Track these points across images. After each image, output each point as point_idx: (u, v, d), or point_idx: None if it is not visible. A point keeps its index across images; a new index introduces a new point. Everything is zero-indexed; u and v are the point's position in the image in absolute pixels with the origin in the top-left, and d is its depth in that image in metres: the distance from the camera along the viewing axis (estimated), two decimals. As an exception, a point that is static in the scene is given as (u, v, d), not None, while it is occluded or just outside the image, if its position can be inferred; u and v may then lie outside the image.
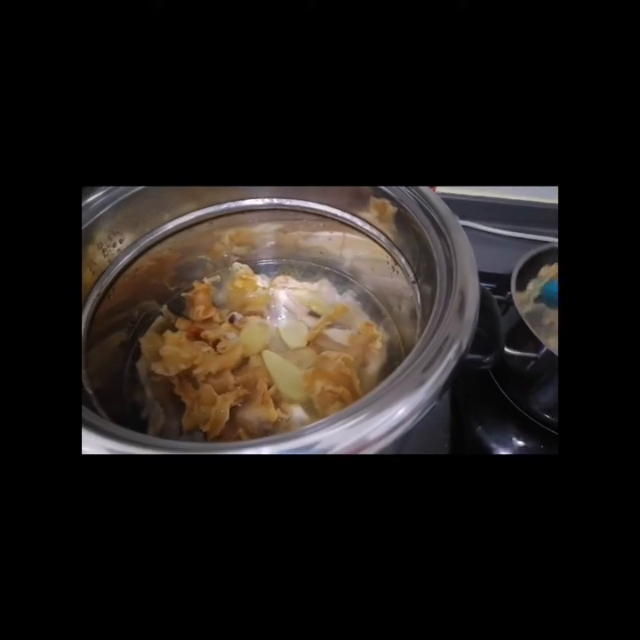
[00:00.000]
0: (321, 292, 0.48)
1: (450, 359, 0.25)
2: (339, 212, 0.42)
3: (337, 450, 0.22)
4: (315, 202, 0.42)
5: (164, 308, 0.46)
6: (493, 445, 0.51)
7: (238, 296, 0.48)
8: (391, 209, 0.36)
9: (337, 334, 0.44)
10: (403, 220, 0.35)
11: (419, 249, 0.34)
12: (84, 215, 0.36)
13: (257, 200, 0.44)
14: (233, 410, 0.38)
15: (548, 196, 0.67)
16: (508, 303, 0.48)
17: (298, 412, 0.39)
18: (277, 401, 0.40)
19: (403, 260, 0.38)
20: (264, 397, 0.38)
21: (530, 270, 0.51)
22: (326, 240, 0.47)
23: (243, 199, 0.44)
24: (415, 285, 0.36)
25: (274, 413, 0.38)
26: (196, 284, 0.46)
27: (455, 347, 0.25)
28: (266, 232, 0.49)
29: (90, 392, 0.32)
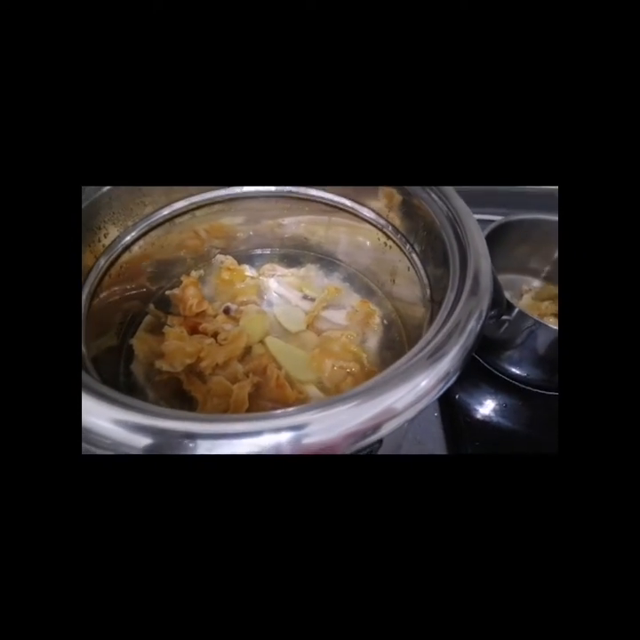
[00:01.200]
0: (309, 276, 0.48)
1: (472, 326, 0.26)
2: (335, 198, 0.43)
3: (365, 418, 0.22)
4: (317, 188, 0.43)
5: (151, 306, 0.44)
6: (476, 407, 0.56)
7: (226, 288, 0.47)
8: (398, 197, 0.38)
9: (333, 315, 0.45)
10: (409, 205, 0.37)
11: (418, 215, 0.36)
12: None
13: (247, 188, 0.44)
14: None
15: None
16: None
17: (313, 391, 0.40)
18: (289, 383, 0.39)
19: (396, 234, 0.40)
20: (278, 381, 0.38)
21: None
22: (311, 225, 0.48)
23: (232, 186, 0.43)
24: (413, 254, 0.38)
25: (291, 393, 0.38)
26: (183, 278, 0.44)
27: (476, 314, 0.27)
28: (245, 222, 0.48)
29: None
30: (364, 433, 0.23)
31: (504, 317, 0.50)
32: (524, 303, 0.60)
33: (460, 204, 0.33)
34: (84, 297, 0.35)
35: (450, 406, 0.55)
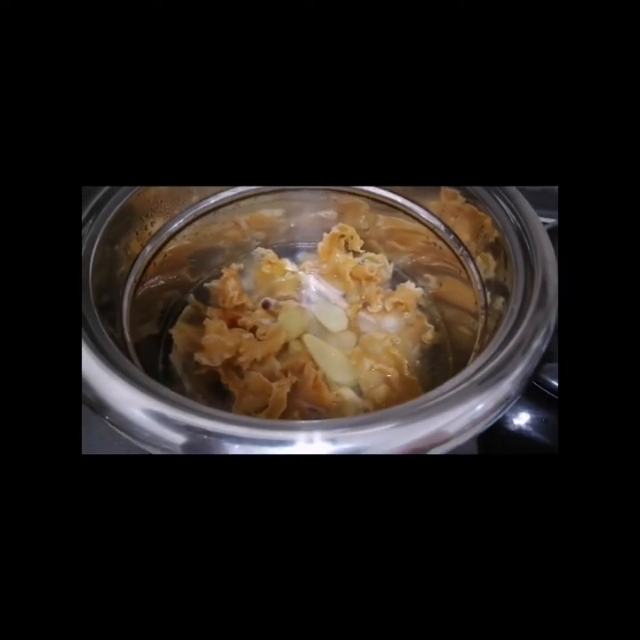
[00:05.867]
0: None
1: (538, 345, 0.24)
2: (385, 193, 0.41)
3: (411, 440, 0.21)
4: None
5: (191, 297, 0.44)
6: (511, 419, 0.53)
7: (266, 281, 0.46)
8: (455, 196, 0.36)
9: (377, 318, 0.44)
10: (467, 206, 0.35)
11: (477, 217, 0.34)
12: (116, 195, 0.33)
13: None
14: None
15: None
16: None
17: (349, 395, 0.39)
18: (325, 384, 0.39)
19: (448, 235, 0.38)
20: (316, 381, 0.37)
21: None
22: (357, 221, 0.46)
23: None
24: (467, 258, 0.36)
25: (329, 396, 0.37)
26: (224, 270, 0.44)
27: (543, 330, 0.25)
28: (286, 214, 0.47)
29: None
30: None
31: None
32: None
33: (525, 206, 0.31)
34: (129, 284, 0.35)
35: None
